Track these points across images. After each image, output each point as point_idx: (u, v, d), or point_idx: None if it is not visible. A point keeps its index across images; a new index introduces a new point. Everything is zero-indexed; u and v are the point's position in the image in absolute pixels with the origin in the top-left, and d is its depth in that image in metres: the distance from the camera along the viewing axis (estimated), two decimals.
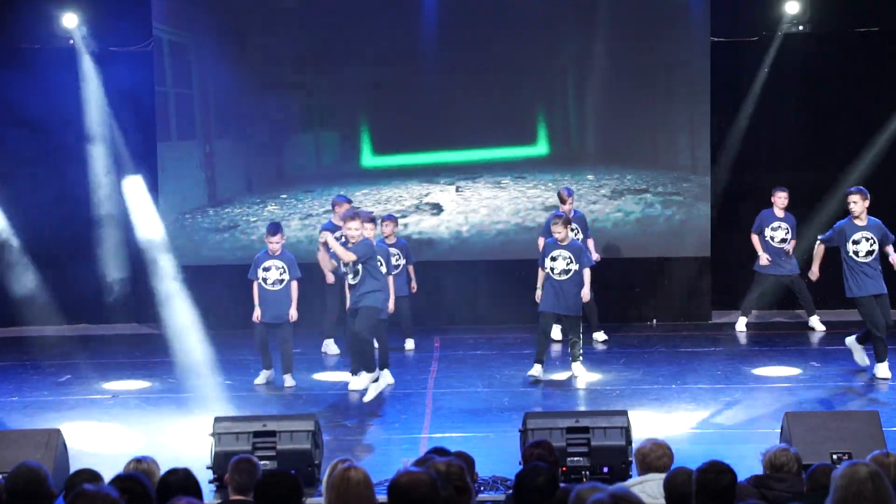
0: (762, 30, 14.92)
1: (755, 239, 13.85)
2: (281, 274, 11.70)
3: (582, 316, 11.93)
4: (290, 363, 11.76)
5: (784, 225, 13.76)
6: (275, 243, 11.69)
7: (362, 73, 14.69)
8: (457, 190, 14.82)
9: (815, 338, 13.58)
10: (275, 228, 11.78)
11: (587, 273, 11.72)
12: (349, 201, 13.15)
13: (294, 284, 11.73)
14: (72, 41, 14.72)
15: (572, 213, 13.08)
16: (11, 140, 14.75)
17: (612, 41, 14.73)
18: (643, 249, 14.98)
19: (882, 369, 11.40)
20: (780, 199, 13.72)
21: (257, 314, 11.66)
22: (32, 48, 14.85)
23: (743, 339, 13.73)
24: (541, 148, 14.92)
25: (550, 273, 11.64)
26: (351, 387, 11.43)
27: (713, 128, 14.77)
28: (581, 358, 11.80)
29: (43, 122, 14.60)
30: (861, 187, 11.49)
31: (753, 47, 14.97)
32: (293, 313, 11.66)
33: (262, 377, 11.85)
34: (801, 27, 14.74)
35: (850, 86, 14.94)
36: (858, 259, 11.28)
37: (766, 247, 13.74)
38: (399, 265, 12.95)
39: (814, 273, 11.70)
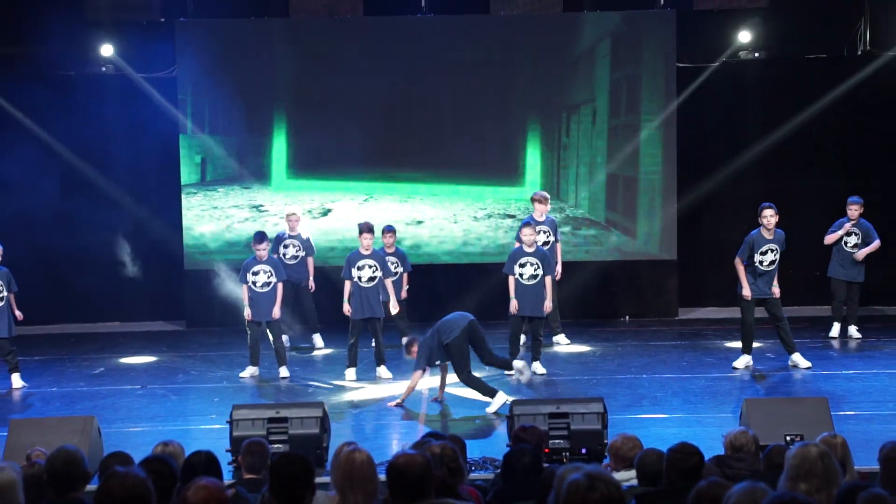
0: (722, 56, 14.96)
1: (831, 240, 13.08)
2: (269, 277, 11.70)
3: (545, 318, 11.81)
4: (283, 356, 11.76)
5: (857, 231, 13.00)
6: (262, 250, 11.68)
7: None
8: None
9: (770, 332, 13.54)
10: (261, 237, 11.79)
11: (548, 280, 11.56)
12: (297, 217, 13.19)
13: (280, 286, 11.74)
14: (104, 68, 14.67)
15: (545, 218, 12.67)
16: (25, 153, 14.59)
17: (589, 67, 14.80)
18: (617, 252, 14.99)
19: (742, 360, 11.57)
20: (852, 210, 12.89)
21: (248, 313, 11.64)
22: (67, 74, 14.82)
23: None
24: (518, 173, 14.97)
25: (520, 279, 11.51)
26: (347, 378, 11.53)
27: (679, 142, 14.79)
28: (540, 357, 11.68)
29: (67, 138, 14.64)
30: (771, 203, 11.39)
31: (715, 71, 15.00)
32: (276, 312, 11.66)
33: (247, 372, 11.78)
34: (756, 54, 14.87)
35: (801, 105, 14.96)
36: (763, 268, 11.35)
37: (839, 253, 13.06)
38: (397, 273, 12.79)
39: (746, 293, 11.34)
